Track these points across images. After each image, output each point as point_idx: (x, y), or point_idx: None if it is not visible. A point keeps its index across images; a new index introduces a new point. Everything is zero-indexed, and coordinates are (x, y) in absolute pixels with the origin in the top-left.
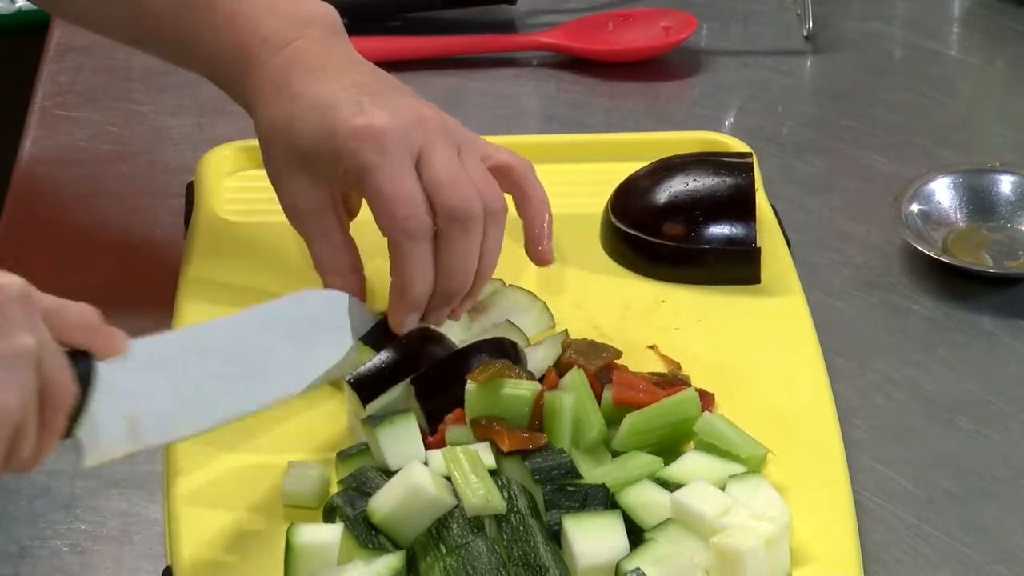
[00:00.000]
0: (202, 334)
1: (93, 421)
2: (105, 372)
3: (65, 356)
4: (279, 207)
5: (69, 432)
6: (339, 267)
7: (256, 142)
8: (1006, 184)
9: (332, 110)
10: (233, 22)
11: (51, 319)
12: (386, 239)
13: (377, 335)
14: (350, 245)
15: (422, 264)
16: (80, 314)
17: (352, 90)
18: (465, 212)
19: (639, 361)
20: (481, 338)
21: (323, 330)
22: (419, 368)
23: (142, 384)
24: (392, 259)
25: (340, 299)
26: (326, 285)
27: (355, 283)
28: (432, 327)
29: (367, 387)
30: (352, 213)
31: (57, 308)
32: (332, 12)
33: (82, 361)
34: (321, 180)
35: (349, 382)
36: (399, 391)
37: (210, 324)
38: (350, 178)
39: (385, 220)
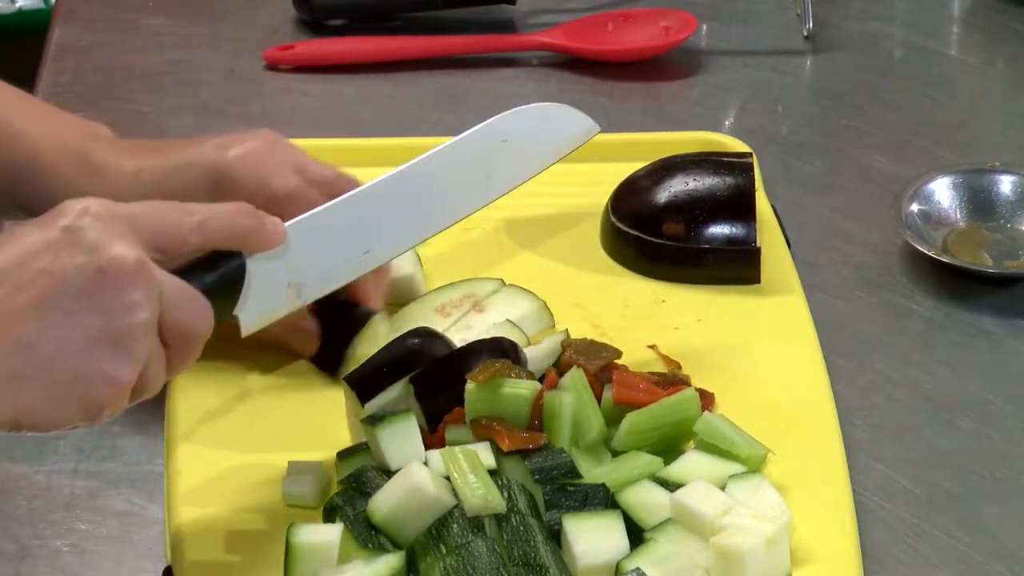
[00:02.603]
0: (375, 188)
1: (253, 300)
2: (261, 260)
3: (193, 295)
4: None
5: (226, 319)
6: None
7: None
8: (1006, 184)
9: (200, 156)
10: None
11: (194, 235)
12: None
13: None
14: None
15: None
16: (225, 221)
17: (191, 142)
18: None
19: (639, 361)
20: (481, 338)
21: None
22: (418, 367)
23: (304, 255)
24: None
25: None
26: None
27: None
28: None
29: (366, 386)
30: None
31: (200, 223)
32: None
33: (234, 258)
34: None
35: (348, 381)
36: (397, 390)
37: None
38: (257, 200)
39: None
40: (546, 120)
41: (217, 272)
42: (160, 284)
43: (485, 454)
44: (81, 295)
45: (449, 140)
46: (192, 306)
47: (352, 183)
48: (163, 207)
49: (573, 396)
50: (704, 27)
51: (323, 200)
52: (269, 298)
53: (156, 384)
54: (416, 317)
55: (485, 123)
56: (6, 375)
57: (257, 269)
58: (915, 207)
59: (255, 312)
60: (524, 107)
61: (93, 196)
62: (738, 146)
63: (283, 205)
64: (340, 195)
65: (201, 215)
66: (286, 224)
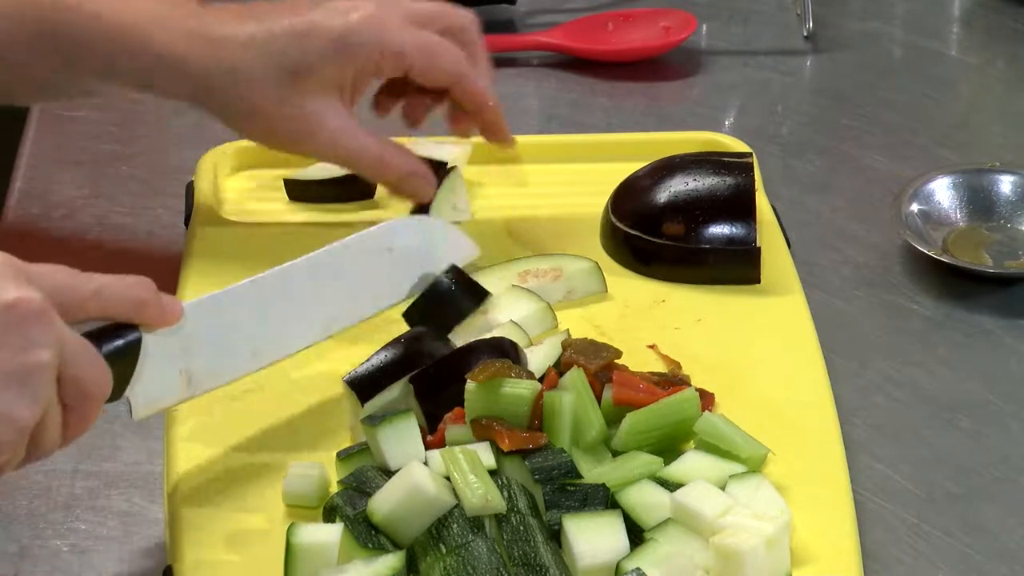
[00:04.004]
0: (265, 280)
1: (144, 383)
2: (155, 338)
3: (93, 353)
4: (279, 207)
5: (118, 396)
6: (413, 165)
7: (254, 143)
8: (1006, 184)
9: (312, 24)
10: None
11: (92, 301)
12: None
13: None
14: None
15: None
16: (123, 292)
17: (292, 8)
18: (472, 27)
19: (639, 361)
20: (483, 337)
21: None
22: (417, 367)
23: (199, 339)
24: (462, 97)
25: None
26: (411, 190)
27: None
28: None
29: (365, 386)
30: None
31: (97, 290)
32: None
33: (129, 332)
34: (332, 91)
35: (347, 381)
36: (397, 390)
37: (271, 272)
38: (385, 63)
39: (448, 67)
40: (428, 236)
41: (112, 342)
42: (63, 334)
43: (485, 454)
44: None
45: (337, 241)
46: (92, 365)
47: (450, 11)
48: (62, 271)
49: (573, 396)
50: (704, 27)
51: (452, 41)
52: (161, 382)
53: (51, 443)
54: (498, 275)
55: (370, 230)
56: None
57: (152, 347)
58: (915, 207)
59: (145, 395)
60: (408, 218)
61: (208, 66)
62: (738, 146)
63: (414, 60)
64: (450, 27)
65: (99, 283)
66: (184, 304)
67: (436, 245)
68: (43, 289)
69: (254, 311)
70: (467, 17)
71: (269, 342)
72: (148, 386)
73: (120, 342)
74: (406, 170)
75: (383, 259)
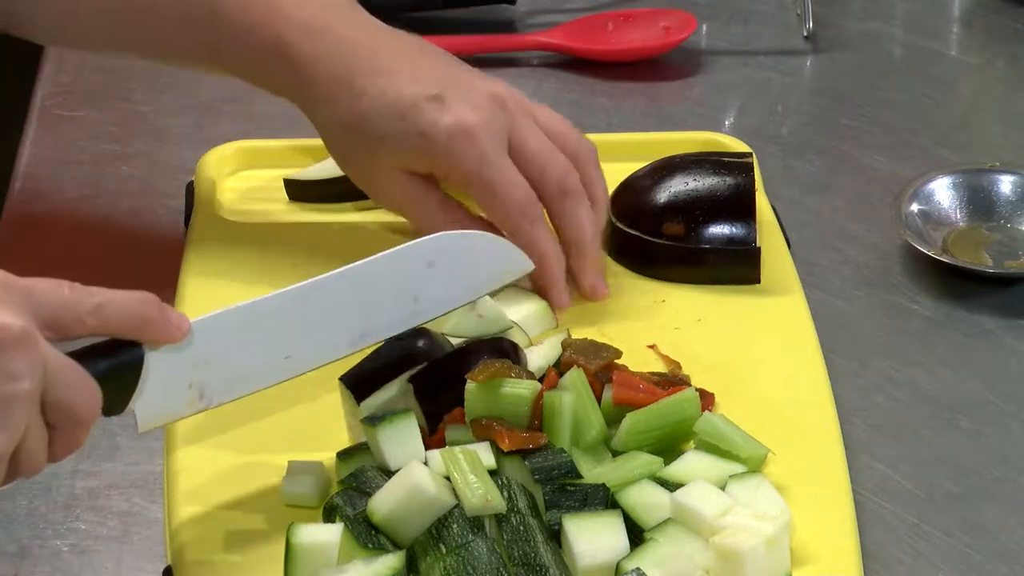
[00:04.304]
0: (293, 293)
1: (150, 397)
2: (161, 355)
3: (81, 375)
4: (279, 207)
5: (120, 411)
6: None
7: (256, 143)
8: (1006, 184)
9: (413, 111)
10: (248, 10)
11: (91, 317)
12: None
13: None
14: (459, 206)
15: (549, 241)
16: (126, 308)
17: (423, 84)
18: (572, 184)
19: (639, 361)
20: (482, 338)
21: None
22: (413, 366)
23: (211, 353)
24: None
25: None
26: None
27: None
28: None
29: (362, 386)
30: None
31: (98, 305)
32: None
33: (131, 350)
34: (407, 170)
35: (343, 380)
36: (393, 389)
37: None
38: (453, 179)
39: (502, 212)
40: (476, 251)
41: (111, 360)
42: (45, 359)
43: (485, 454)
44: None
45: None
46: (78, 387)
47: (565, 142)
48: (63, 286)
49: (573, 396)
50: (704, 27)
51: (522, 186)
52: (168, 396)
53: (36, 464)
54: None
55: (410, 244)
56: None
57: (156, 363)
58: (915, 207)
59: (152, 408)
60: (454, 233)
61: (320, 111)
62: (738, 146)
63: (478, 190)
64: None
65: (101, 298)
66: (193, 320)
67: (484, 259)
68: (33, 307)
69: (278, 324)
70: (586, 146)
71: (294, 356)
72: (153, 400)
73: (119, 360)
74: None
75: (422, 274)
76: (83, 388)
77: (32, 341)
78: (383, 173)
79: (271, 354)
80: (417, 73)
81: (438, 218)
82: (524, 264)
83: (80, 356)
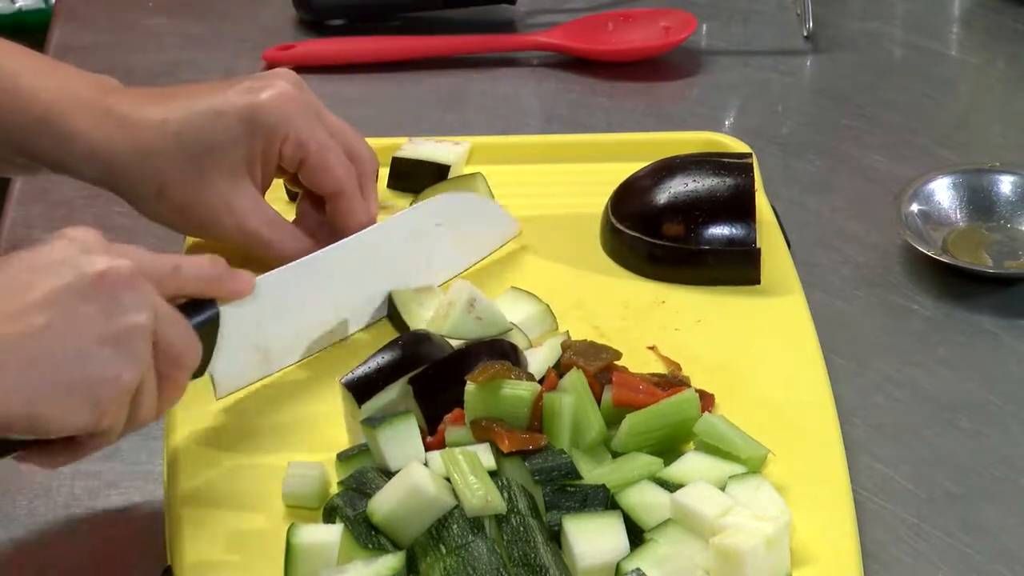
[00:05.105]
0: (335, 252)
1: (224, 359)
2: (232, 313)
3: (183, 321)
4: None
5: (201, 372)
6: (306, 247)
7: None
8: (1006, 184)
9: (230, 106)
10: (42, 100)
11: (171, 279)
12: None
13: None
14: (293, 226)
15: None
16: (199, 268)
17: (216, 88)
18: (373, 162)
19: (639, 361)
20: (482, 340)
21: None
22: (414, 369)
23: (270, 313)
24: (339, 206)
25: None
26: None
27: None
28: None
29: (362, 389)
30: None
31: (176, 267)
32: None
33: (208, 308)
34: (243, 173)
35: (344, 383)
36: (394, 392)
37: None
38: (287, 148)
39: (336, 172)
40: (473, 212)
41: (194, 317)
42: (155, 300)
43: (485, 455)
44: (84, 296)
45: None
46: (183, 333)
47: (359, 138)
48: (140, 250)
49: (573, 397)
50: (704, 27)
51: (342, 152)
52: (239, 359)
53: (148, 410)
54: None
55: (422, 203)
56: (18, 369)
57: (228, 322)
58: (915, 207)
59: (226, 372)
60: (454, 194)
61: (119, 148)
62: (738, 146)
63: (311, 154)
64: (353, 149)
65: (177, 260)
66: (259, 278)
67: (481, 221)
68: (130, 261)
69: (319, 286)
70: (370, 151)
71: (334, 319)
72: (228, 362)
73: (202, 316)
74: (285, 257)
75: (436, 232)
76: (186, 335)
77: (142, 281)
78: (213, 190)
79: (324, 311)
80: (196, 88)
81: (282, 226)
82: (513, 226)
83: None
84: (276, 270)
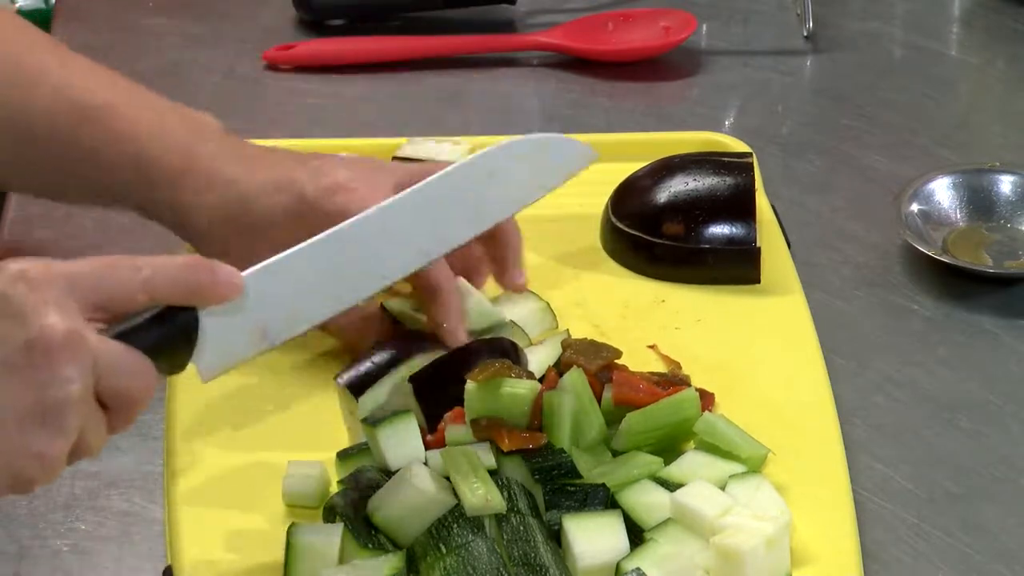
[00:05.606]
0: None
1: (209, 351)
2: (217, 310)
3: (131, 358)
4: None
5: (182, 368)
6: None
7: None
8: (1006, 184)
9: (288, 182)
10: (136, 140)
11: (141, 293)
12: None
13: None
14: None
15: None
16: (179, 276)
17: (292, 160)
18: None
19: (639, 361)
20: (482, 338)
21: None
22: (408, 359)
23: (270, 297)
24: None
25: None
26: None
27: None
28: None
29: (361, 388)
30: None
31: (145, 280)
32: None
33: (186, 314)
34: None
35: (342, 384)
36: (389, 384)
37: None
38: None
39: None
40: (537, 152)
41: (165, 328)
42: (94, 352)
43: (485, 454)
44: (9, 369)
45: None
46: (130, 371)
47: None
48: (108, 264)
49: (573, 396)
50: (704, 27)
51: None
52: (229, 345)
53: (96, 446)
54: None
55: (472, 158)
56: None
57: (212, 321)
58: (915, 207)
59: (214, 360)
60: (516, 140)
61: (195, 204)
62: (738, 146)
63: None
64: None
65: (148, 271)
66: (245, 273)
67: (547, 158)
68: (85, 292)
69: (335, 257)
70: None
71: (351, 285)
72: (214, 353)
73: (173, 327)
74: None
75: (480, 186)
76: (136, 371)
77: (78, 341)
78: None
79: (329, 286)
80: (284, 156)
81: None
82: (590, 155)
83: (133, 329)
84: (269, 260)
